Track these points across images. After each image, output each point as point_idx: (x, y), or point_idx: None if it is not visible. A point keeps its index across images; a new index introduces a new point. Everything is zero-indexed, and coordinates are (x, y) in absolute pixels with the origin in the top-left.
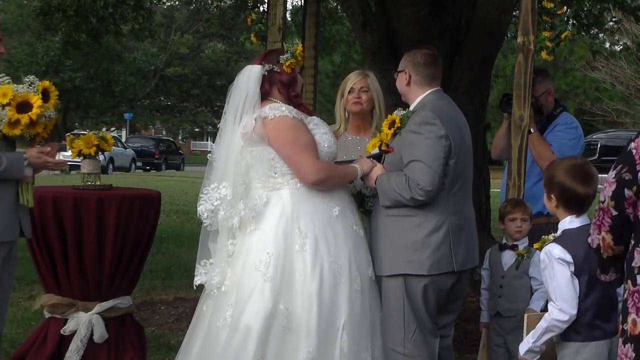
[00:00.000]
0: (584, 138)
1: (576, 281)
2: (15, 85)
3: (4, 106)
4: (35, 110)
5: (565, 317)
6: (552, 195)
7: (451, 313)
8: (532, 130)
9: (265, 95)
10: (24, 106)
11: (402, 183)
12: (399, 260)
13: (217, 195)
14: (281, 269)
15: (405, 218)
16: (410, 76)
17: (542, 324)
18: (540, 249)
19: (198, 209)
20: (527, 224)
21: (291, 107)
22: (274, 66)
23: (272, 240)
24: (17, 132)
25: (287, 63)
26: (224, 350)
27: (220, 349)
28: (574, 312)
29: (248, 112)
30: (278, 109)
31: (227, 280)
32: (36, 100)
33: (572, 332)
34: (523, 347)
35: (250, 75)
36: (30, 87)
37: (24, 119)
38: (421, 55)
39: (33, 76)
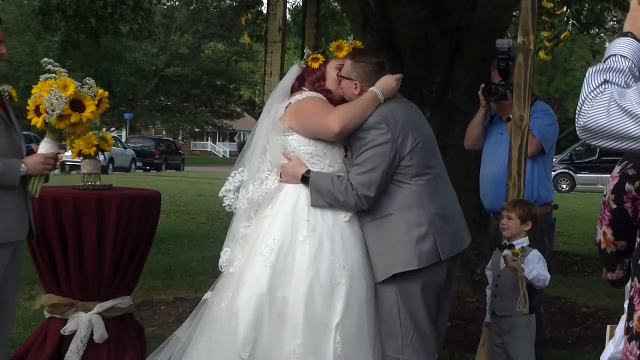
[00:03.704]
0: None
1: None
2: (77, 82)
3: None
4: (87, 114)
5: None
6: None
7: (443, 312)
8: (511, 116)
9: (297, 89)
10: (76, 105)
11: (347, 188)
12: (387, 262)
13: (240, 177)
14: (283, 257)
15: (382, 220)
16: (361, 88)
17: (621, 323)
18: None
19: (221, 189)
20: (514, 222)
21: (321, 95)
22: (303, 62)
23: (280, 227)
24: (62, 125)
25: (310, 59)
26: (221, 331)
27: (219, 329)
28: None
29: (278, 101)
30: (307, 94)
31: (237, 261)
32: (90, 105)
33: None
34: (604, 356)
35: (291, 71)
36: (90, 91)
37: (75, 117)
38: (370, 65)
39: (93, 80)
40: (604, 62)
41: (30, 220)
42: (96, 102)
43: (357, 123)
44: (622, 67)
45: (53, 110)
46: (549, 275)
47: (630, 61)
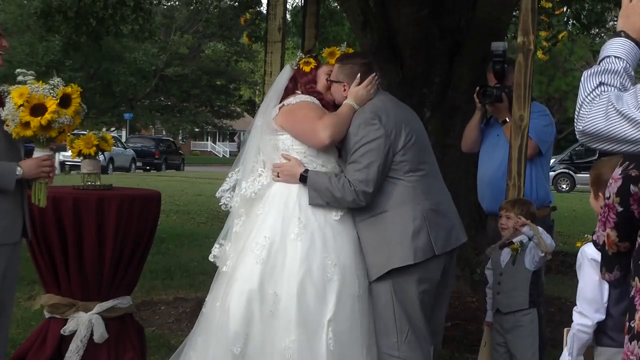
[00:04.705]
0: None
1: (606, 285)
2: (36, 86)
3: (19, 106)
4: (46, 115)
5: (588, 322)
6: (601, 194)
7: (440, 308)
8: (507, 119)
9: (291, 91)
10: (38, 109)
11: (344, 185)
12: (382, 259)
13: (236, 177)
14: (274, 254)
15: (377, 217)
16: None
17: (570, 332)
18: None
19: (218, 190)
20: (512, 221)
21: (314, 98)
22: (295, 64)
23: (271, 224)
24: (28, 133)
25: (302, 62)
26: (216, 330)
27: (215, 327)
28: (599, 315)
29: (273, 102)
30: (300, 97)
31: (229, 260)
32: (51, 105)
33: (605, 337)
34: None
35: (283, 72)
36: (52, 91)
37: (34, 122)
38: (357, 66)
39: (59, 79)
40: (599, 64)
41: (25, 221)
42: (58, 100)
43: (342, 135)
44: (616, 68)
45: (13, 121)
46: (554, 244)
47: (624, 61)
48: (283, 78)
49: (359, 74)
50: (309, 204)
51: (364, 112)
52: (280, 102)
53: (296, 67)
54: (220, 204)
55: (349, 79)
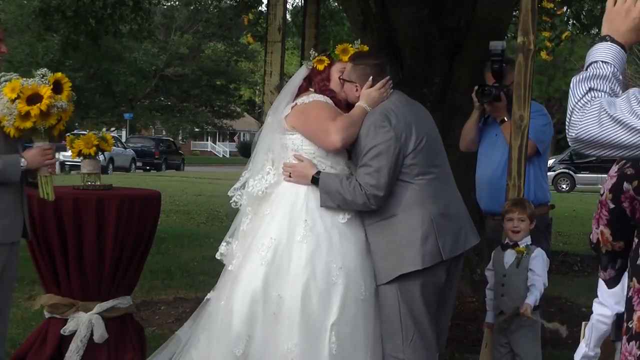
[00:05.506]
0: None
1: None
2: (24, 79)
3: (13, 100)
4: (45, 101)
5: (608, 312)
6: None
7: (444, 311)
8: (505, 118)
9: (305, 89)
10: (34, 98)
11: (355, 188)
12: (392, 264)
13: (248, 175)
14: (279, 256)
15: (386, 221)
16: (362, 89)
17: (589, 323)
18: None
19: (231, 188)
20: (526, 223)
21: (327, 98)
22: (310, 63)
23: (278, 226)
24: (29, 124)
25: (315, 60)
26: (219, 329)
27: (218, 326)
28: (619, 307)
29: (286, 101)
30: (313, 97)
31: (235, 259)
32: (46, 91)
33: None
34: (578, 355)
35: (299, 72)
36: (42, 80)
37: (34, 110)
38: (369, 67)
39: (45, 69)
40: (586, 69)
41: (25, 220)
42: (51, 85)
43: (354, 138)
44: (605, 73)
45: (10, 115)
46: (546, 284)
47: (612, 66)
48: (298, 78)
49: (371, 76)
50: (320, 206)
51: (374, 114)
52: (294, 100)
53: (311, 67)
54: (230, 201)
55: (361, 80)
